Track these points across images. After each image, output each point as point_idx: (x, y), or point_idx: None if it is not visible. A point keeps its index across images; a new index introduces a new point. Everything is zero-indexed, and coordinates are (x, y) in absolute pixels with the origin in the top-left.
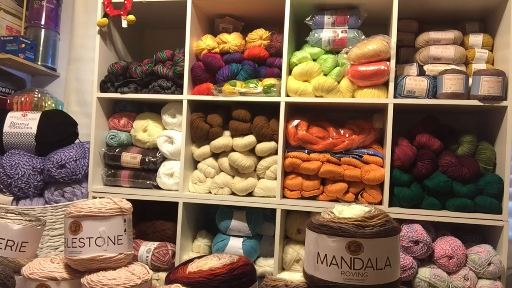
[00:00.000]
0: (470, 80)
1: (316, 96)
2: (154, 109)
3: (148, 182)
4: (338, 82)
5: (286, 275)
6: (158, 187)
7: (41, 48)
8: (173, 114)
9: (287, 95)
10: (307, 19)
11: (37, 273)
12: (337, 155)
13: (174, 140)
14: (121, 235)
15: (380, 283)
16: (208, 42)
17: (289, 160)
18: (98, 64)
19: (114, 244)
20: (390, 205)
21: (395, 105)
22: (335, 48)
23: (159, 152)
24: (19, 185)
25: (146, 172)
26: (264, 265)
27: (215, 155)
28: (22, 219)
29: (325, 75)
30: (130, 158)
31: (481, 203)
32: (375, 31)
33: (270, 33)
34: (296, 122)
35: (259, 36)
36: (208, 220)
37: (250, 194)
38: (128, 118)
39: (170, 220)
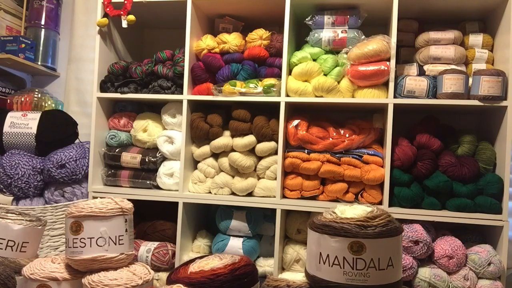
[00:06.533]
0: (470, 80)
1: (316, 96)
2: (154, 109)
3: (148, 182)
4: (338, 82)
5: (287, 275)
6: (158, 187)
7: (41, 48)
8: (173, 114)
9: (287, 95)
10: (307, 19)
11: (38, 273)
12: (337, 155)
13: (174, 140)
14: (122, 235)
15: (383, 283)
16: (208, 42)
17: (289, 160)
18: (98, 64)
19: (115, 244)
20: (390, 205)
21: (395, 105)
22: (335, 48)
23: (159, 152)
24: (19, 185)
25: (146, 172)
26: (264, 265)
27: (215, 155)
28: (22, 219)
29: (325, 75)
30: (130, 158)
31: (481, 203)
32: (375, 31)
33: (270, 33)
34: (296, 122)
35: (259, 36)
36: (208, 220)
37: (250, 194)
38: (128, 118)
39: (170, 220)
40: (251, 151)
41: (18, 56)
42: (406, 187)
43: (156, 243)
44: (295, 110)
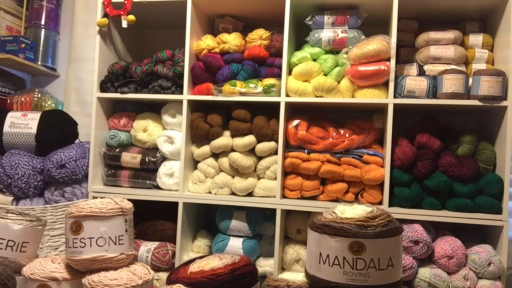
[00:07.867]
0: (470, 80)
1: (316, 96)
2: (154, 109)
3: (148, 182)
4: (338, 82)
5: (288, 275)
6: (158, 187)
7: (41, 48)
8: (173, 114)
9: (287, 95)
10: (307, 19)
11: (38, 273)
12: (337, 155)
13: (174, 140)
14: (122, 235)
15: (383, 283)
16: (208, 42)
17: (289, 160)
18: (98, 64)
19: (115, 244)
20: (390, 205)
21: (395, 105)
22: (335, 48)
23: (159, 152)
24: (19, 185)
25: (146, 172)
26: (264, 265)
27: (215, 155)
28: (22, 219)
29: (325, 75)
30: (130, 158)
31: (481, 203)
32: (375, 31)
33: (270, 33)
34: (296, 122)
35: (259, 36)
36: (208, 220)
37: (250, 194)
38: (128, 118)
39: (170, 220)
40: (251, 151)
41: (18, 56)
42: (406, 187)
43: (156, 243)
44: (295, 110)
